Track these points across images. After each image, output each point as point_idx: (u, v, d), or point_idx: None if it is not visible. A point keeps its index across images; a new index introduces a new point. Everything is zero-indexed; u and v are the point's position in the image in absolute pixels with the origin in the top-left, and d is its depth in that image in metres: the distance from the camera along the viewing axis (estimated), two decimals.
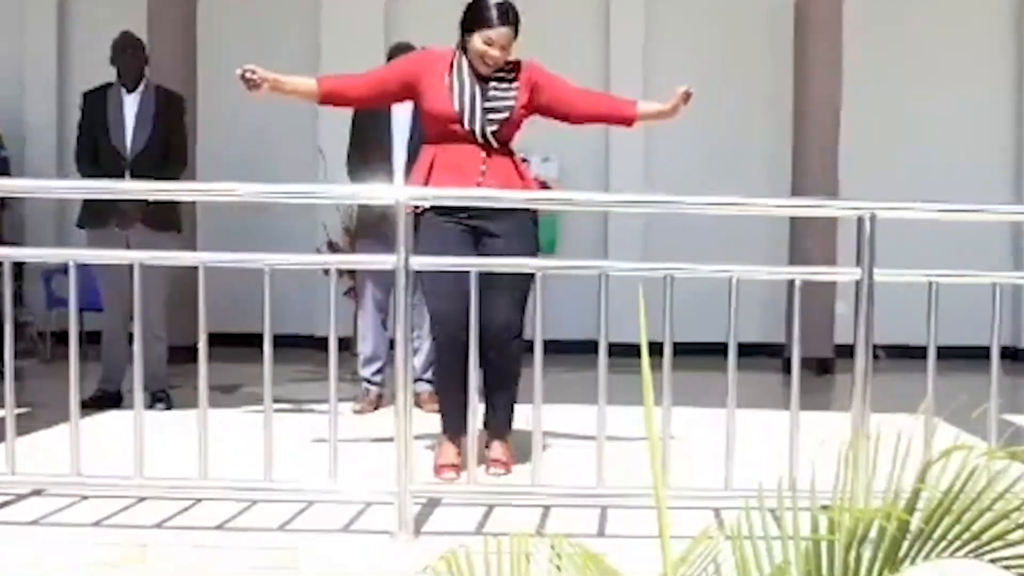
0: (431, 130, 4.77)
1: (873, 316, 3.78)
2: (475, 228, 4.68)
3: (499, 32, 4.62)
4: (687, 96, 4.77)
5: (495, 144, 4.70)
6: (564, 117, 4.92)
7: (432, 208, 4.60)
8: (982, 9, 9.85)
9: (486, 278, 4.20)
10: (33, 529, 3.85)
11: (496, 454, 4.79)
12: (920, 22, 9.74)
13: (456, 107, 4.67)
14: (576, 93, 4.92)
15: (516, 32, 4.69)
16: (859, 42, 9.13)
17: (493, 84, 4.72)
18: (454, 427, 4.68)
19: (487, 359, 4.53)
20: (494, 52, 4.63)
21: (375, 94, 4.88)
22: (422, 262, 4.05)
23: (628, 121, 4.94)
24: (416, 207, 4.54)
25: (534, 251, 4.74)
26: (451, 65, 4.73)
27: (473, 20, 4.68)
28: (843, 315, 8.22)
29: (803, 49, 9.00)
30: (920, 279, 3.94)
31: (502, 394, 4.80)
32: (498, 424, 4.83)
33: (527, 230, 4.75)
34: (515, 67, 4.78)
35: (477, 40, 4.65)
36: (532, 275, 4.31)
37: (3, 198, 8.49)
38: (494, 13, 4.64)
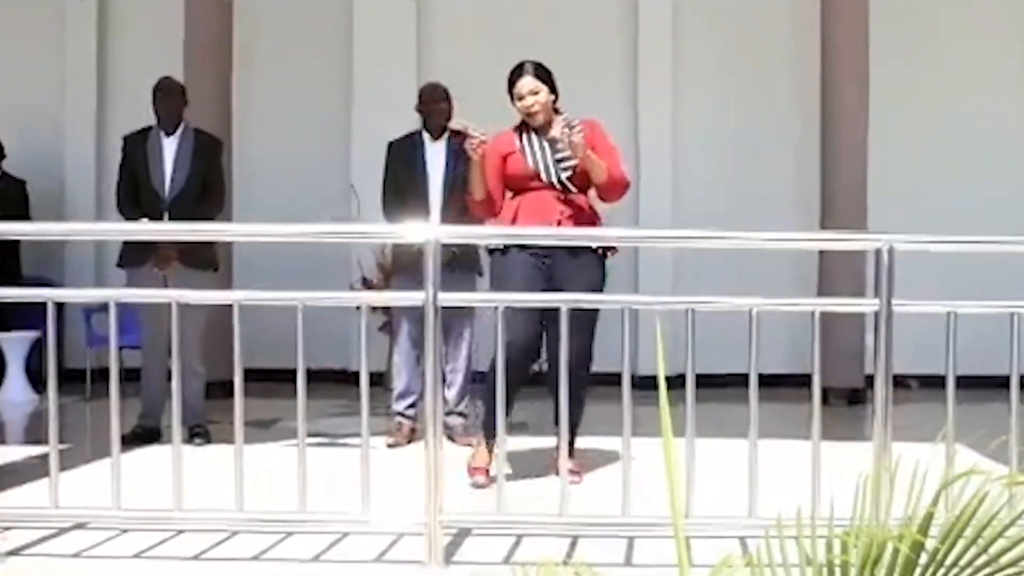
0: (513, 188, 5.42)
1: (892, 347, 3.84)
2: (550, 265, 5.22)
3: (521, 83, 5.35)
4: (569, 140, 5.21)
5: (572, 189, 5.34)
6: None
7: (514, 245, 5.19)
8: (1010, 25, 9.90)
9: (557, 313, 4.46)
10: (75, 562, 3.96)
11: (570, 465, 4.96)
12: (946, 39, 9.78)
13: (531, 165, 5.35)
14: (606, 158, 5.35)
15: (546, 82, 5.36)
16: (886, 64, 9.20)
17: (558, 140, 5.26)
18: (494, 432, 4.87)
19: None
20: (527, 101, 5.33)
21: (502, 191, 5.46)
22: (449, 297, 4.16)
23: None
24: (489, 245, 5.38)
25: (600, 286, 5.29)
26: (519, 136, 5.42)
27: (508, 88, 5.40)
28: (871, 346, 8.24)
29: (830, 71, 9.04)
30: (939, 310, 3.99)
31: (570, 415, 4.87)
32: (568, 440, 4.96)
33: (594, 267, 5.29)
34: (579, 125, 5.30)
35: (516, 102, 5.39)
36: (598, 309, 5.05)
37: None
38: (515, 72, 5.39)
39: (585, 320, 5.08)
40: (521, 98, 5.35)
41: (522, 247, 5.20)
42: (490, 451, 5.24)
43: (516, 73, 5.39)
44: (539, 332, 5.21)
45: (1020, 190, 9.70)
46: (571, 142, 5.13)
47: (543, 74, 5.39)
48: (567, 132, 5.17)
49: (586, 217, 5.37)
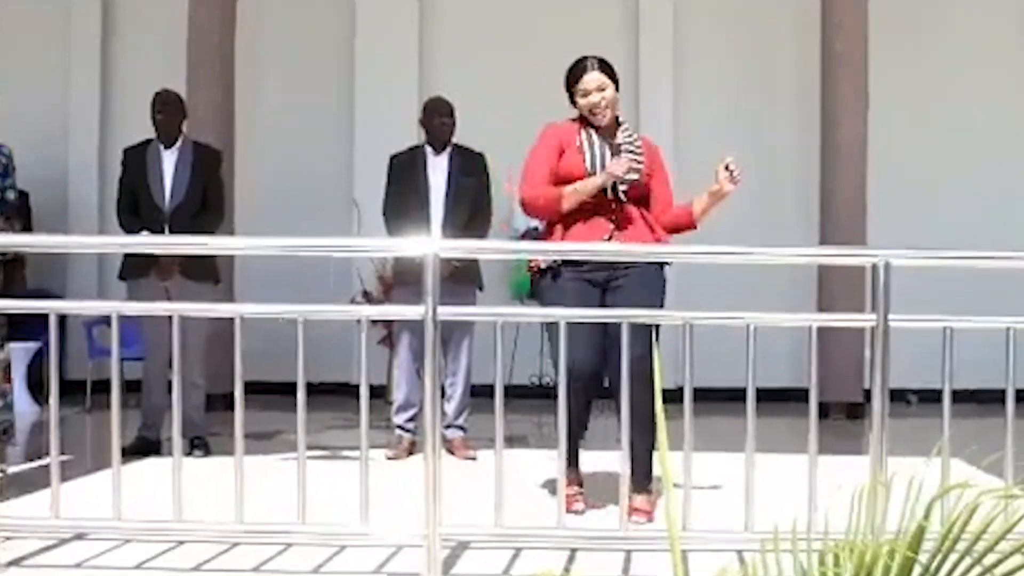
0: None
1: (889, 362, 3.85)
2: (602, 280, 4.89)
3: (588, 78, 4.95)
4: (730, 173, 4.91)
5: (626, 200, 4.95)
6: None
7: (562, 263, 4.87)
8: (1010, 28, 9.95)
9: (616, 328, 4.30)
10: (75, 572, 3.97)
11: (639, 504, 4.79)
12: (947, 46, 9.85)
13: (588, 167, 4.94)
14: (664, 191, 5.17)
15: (612, 78, 4.98)
16: (886, 74, 9.24)
17: (623, 147, 4.98)
18: (575, 466, 4.97)
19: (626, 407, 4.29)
20: (593, 99, 4.94)
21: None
22: (449, 311, 4.17)
23: (692, 224, 5.15)
24: (540, 265, 4.92)
25: (661, 298, 4.94)
26: (579, 132, 5.02)
27: (569, 83, 5.02)
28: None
29: (830, 76, 9.08)
30: (935, 326, 4.01)
31: (642, 442, 4.65)
32: (641, 475, 4.80)
33: (653, 278, 4.94)
34: (639, 138, 5.08)
35: (579, 98, 5.00)
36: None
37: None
38: (580, 66, 4.99)
39: (645, 331, 4.49)
40: (587, 94, 4.95)
41: (568, 265, 4.86)
42: (577, 478, 5.00)
43: (580, 68, 4.98)
44: (601, 352, 4.76)
45: (1022, 197, 9.73)
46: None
47: (608, 70, 5.00)
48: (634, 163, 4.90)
49: (640, 228, 4.97)
